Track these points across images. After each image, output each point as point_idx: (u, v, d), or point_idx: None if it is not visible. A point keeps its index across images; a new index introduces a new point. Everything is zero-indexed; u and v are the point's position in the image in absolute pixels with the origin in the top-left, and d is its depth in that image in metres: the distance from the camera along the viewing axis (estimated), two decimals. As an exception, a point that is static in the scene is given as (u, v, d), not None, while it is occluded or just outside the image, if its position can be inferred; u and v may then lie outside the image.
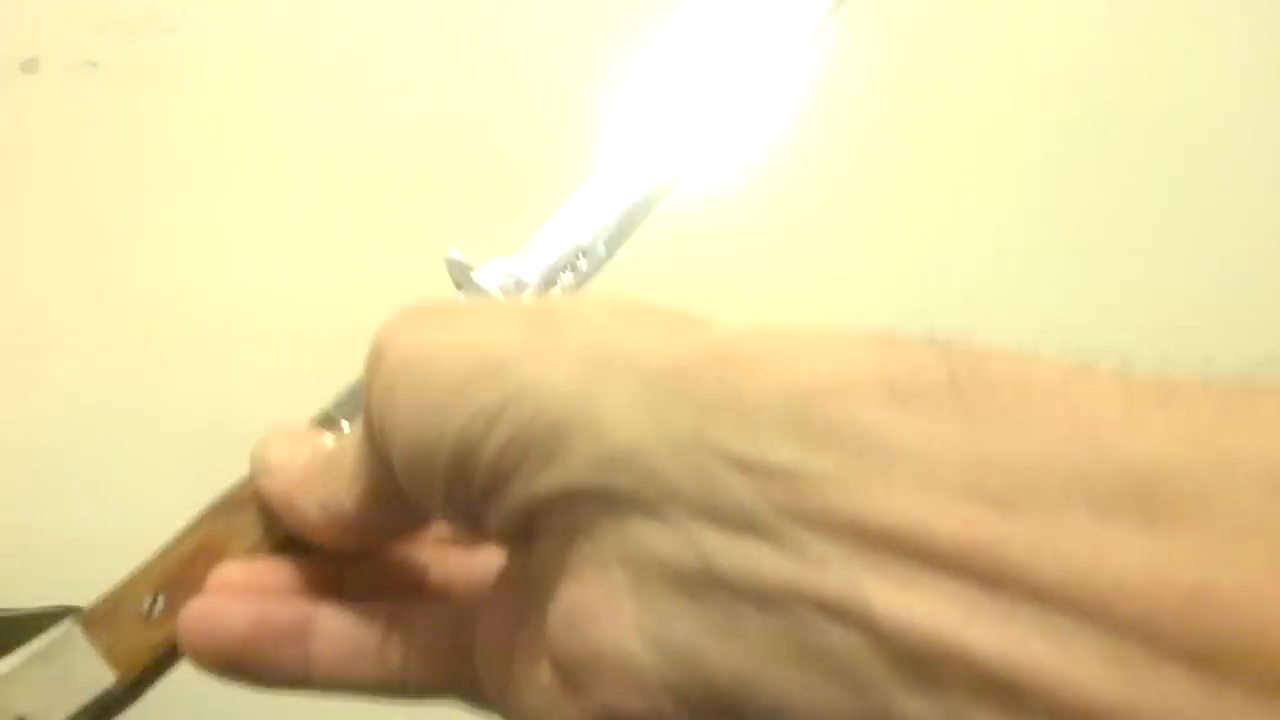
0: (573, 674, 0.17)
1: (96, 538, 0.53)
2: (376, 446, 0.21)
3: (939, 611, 0.14)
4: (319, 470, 0.24)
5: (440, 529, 0.27)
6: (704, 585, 0.16)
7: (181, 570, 0.26)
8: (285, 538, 0.26)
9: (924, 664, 0.14)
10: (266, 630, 0.24)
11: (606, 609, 0.17)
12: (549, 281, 0.29)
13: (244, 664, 0.24)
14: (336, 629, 0.24)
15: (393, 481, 0.21)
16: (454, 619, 0.24)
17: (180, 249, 0.60)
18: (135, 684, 0.26)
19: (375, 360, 0.21)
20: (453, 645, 0.23)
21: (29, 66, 0.62)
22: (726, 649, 0.15)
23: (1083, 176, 0.61)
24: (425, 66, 0.63)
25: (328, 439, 0.27)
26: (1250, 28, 0.62)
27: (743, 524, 0.15)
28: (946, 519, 0.14)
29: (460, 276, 0.29)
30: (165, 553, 0.26)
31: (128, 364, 0.58)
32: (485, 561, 0.26)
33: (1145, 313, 0.58)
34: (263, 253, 0.60)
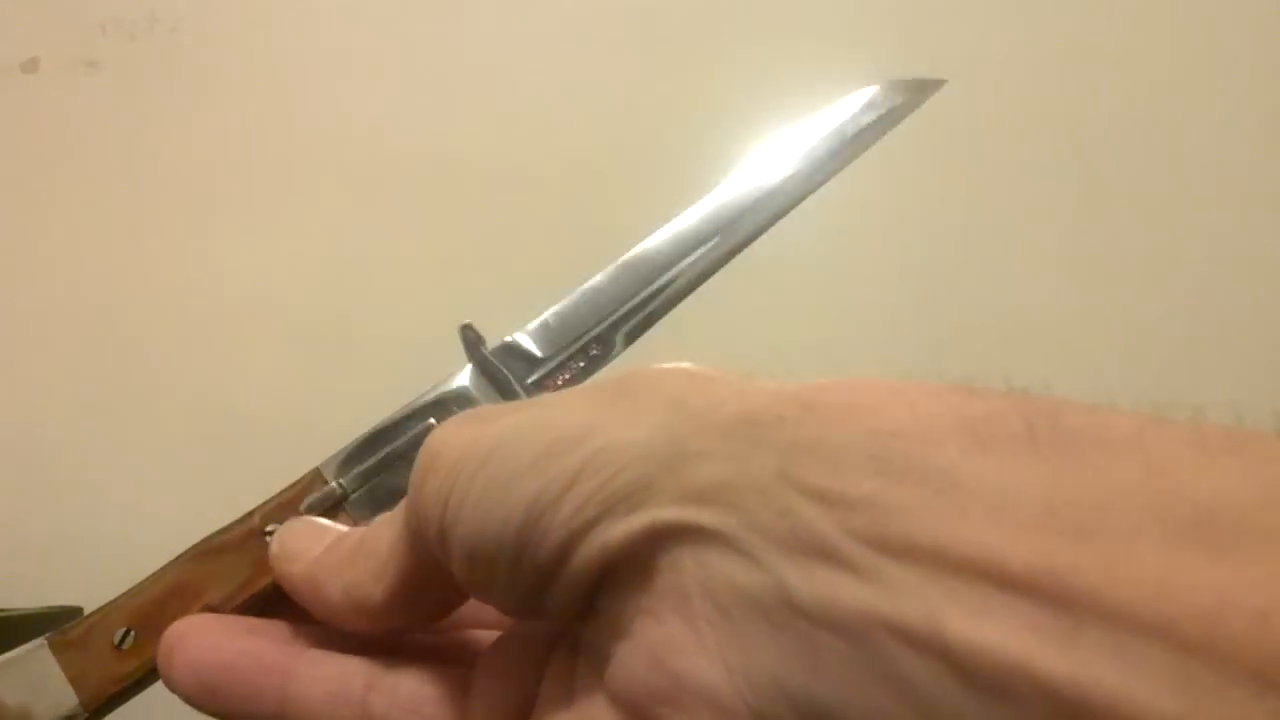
0: (652, 712, 0.18)
1: (96, 538, 0.53)
2: (422, 540, 0.21)
3: (1010, 635, 0.14)
4: (346, 556, 0.24)
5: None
6: (785, 615, 0.16)
7: (156, 608, 0.26)
8: (263, 590, 0.26)
9: (997, 688, 0.14)
10: (249, 661, 0.24)
11: (690, 641, 0.17)
12: (561, 366, 0.29)
13: (221, 693, 0.24)
14: (320, 672, 0.24)
15: (429, 575, 0.22)
16: (446, 676, 0.24)
17: (180, 249, 0.60)
18: (97, 712, 0.26)
19: (430, 458, 0.21)
20: (440, 700, 0.23)
21: (29, 66, 0.62)
22: (808, 677, 0.16)
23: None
24: (424, 64, 0.64)
25: (345, 528, 0.27)
26: None
27: (822, 554, 0.16)
28: (1020, 546, 0.14)
29: (471, 348, 0.29)
30: (142, 589, 0.27)
31: (128, 364, 0.58)
32: (472, 634, 0.26)
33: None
34: (263, 253, 0.60)
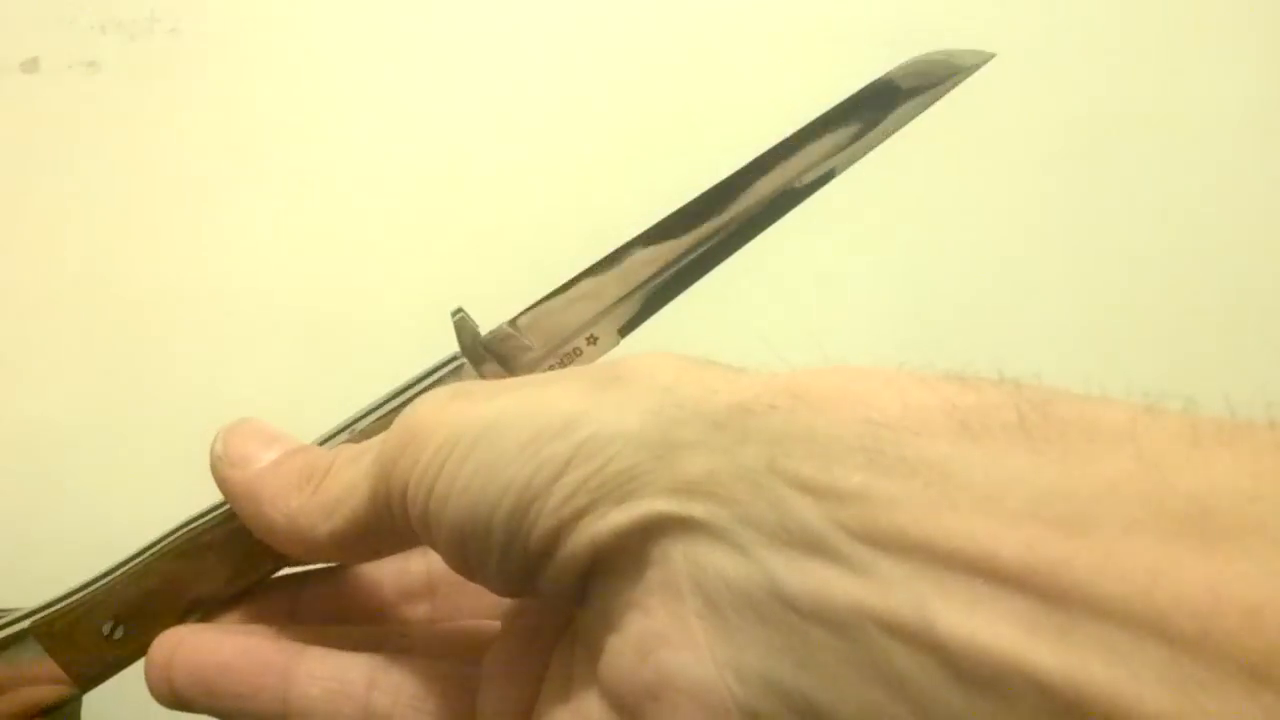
0: (638, 705, 0.17)
1: (96, 538, 0.53)
2: (387, 507, 0.21)
3: (1002, 630, 0.14)
4: (293, 480, 0.24)
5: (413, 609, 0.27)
6: (775, 609, 0.16)
7: (144, 603, 0.26)
8: (251, 583, 0.26)
9: (988, 682, 0.14)
10: (249, 661, 0.24)
11: (679, 635, 0.17)
12: (553, 353, 0.28)
13: (219, 692, 0.24)
14: (321, 670, 0.24)
15: (382, 531, 0.21)
16: (449, 672, 0.24)
17: (180, 249, 0.60)
18: (87, 688, 0.26)
19: (411, 434, 0.20)
20: (444, 696, 0.23)
21: (29, 66, 0.62)
22: (799, 672, 0.16)
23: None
24: (422, 63, 0.63)
25: (292, 437, 0.26)
26: None
27: (812, 547, 0.16)
28: (1011, 540, 0.14)
29: (465, 336, 0.28)
30: (127, 579, 0.26)
31: (127, 364, 0.58)
32: (475, 625, 0.26)
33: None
34: (262, 253, 0.60)
